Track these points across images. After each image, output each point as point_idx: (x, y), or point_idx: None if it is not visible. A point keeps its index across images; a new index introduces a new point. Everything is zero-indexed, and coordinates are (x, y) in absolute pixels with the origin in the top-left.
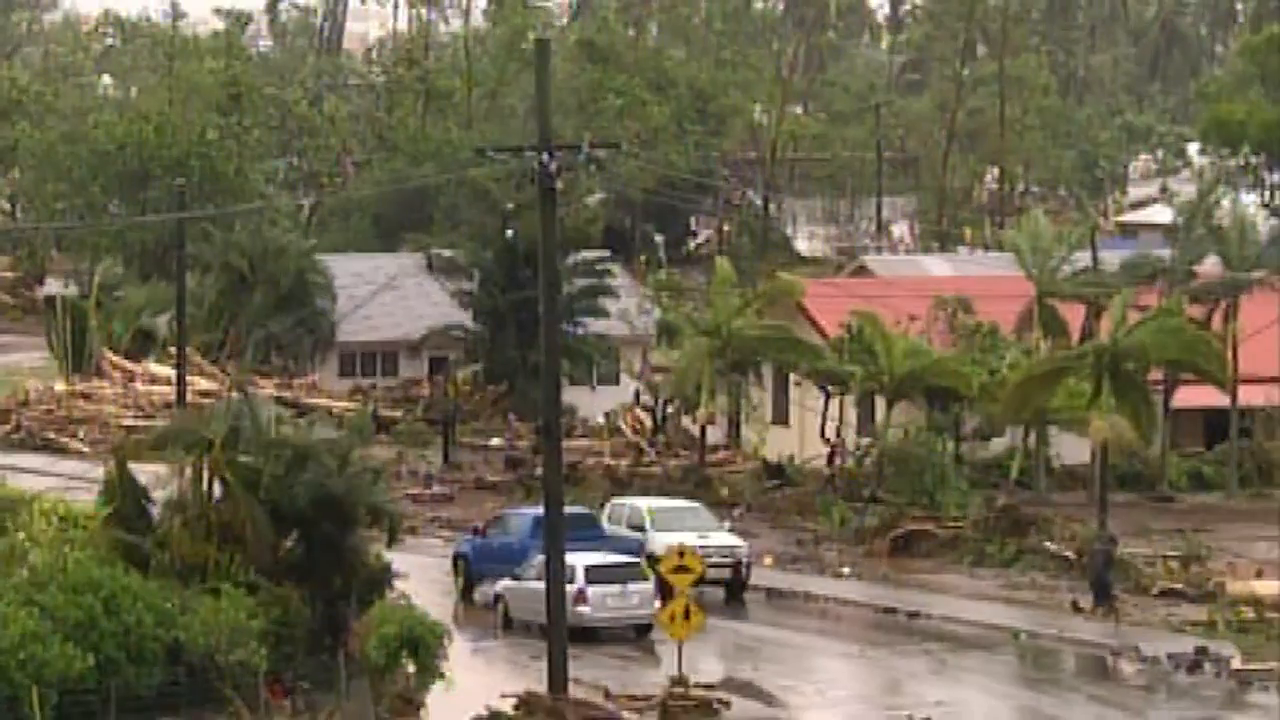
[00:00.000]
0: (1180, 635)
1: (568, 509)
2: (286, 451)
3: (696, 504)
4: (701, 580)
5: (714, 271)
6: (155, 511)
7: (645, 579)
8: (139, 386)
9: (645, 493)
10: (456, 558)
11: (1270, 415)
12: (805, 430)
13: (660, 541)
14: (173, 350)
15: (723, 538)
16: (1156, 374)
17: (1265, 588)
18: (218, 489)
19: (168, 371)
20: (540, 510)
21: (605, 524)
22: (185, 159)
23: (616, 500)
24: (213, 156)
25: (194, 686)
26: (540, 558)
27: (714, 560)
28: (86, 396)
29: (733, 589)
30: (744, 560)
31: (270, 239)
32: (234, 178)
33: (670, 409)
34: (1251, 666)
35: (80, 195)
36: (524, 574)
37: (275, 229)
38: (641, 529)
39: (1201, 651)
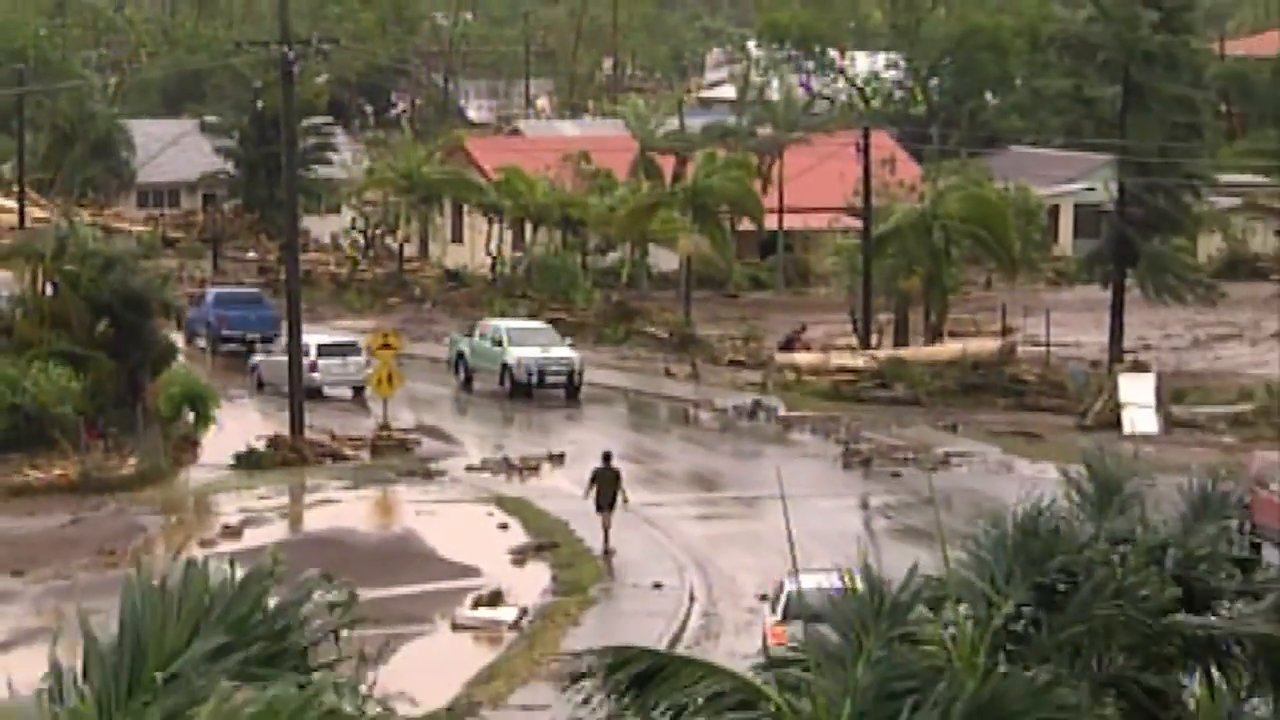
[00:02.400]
0: (742, 392)
1: (243, 289)
2: (99, 259)
3: (545, 325)
4: (543, 384)
5: (403, 134)
6: (3, 306)
7: (359, 353)
8: None
9: (359, 293)
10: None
11: (806, 235)
12: (475, 246)
13: (514, 354)
14: (14, 188)
15: (562, 351)
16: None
17: (802, 358)
18: (50, 289)
19: (11, 204)
20: (218, 289)
21: (476, 338)
22: (24, 50)
23: (484, 320)
24: (44, 48)
25: (31, 431)
26: (285, 338)
27: (554, 368)
28: None
29: (569, 390)
30: (576, 368)
31: (86, 107)
32: (59, 63)
33: (377, 231)
34: (792, 414)
35: None
36: (273, 350)
37: (90, 100)
38: (500, 344)
39: (757, 404)
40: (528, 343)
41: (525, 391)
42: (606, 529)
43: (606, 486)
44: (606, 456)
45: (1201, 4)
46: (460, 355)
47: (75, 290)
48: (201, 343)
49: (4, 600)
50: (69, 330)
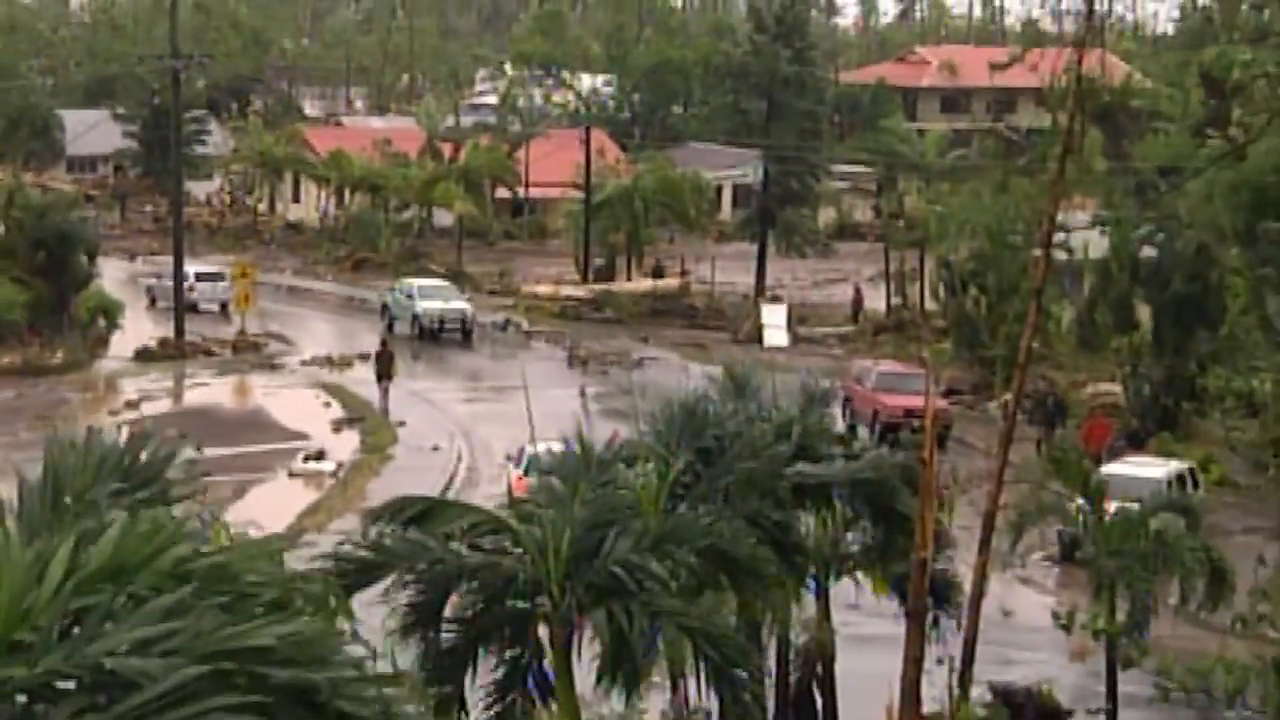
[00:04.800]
0: (499, 311)
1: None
2: (36, 208)
3: (447, 282)
4: (443, 329)
5: (251, 124)
6: None
7: (225, 280)
8: None
9: (227, 237)
10: None
11: (545, 202)
12: (309, 205)
13: (421, 306)
14: None
15: (459, 304)
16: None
17: (541, 289)
18: (1, 230)
19: None
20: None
21: (395, 293)
22: None
23: (401, 279)
24: None
25: None
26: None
27: (452, 317)
28: None
29: (465, 334)
30: (469, 317)
31: (29, 100)
32: (9, 67)
33: (239, 193)
34: (534, 329)
35: None
36: (163, 276)
37: (32, 95)
38: (411, 298)
39: (507, 321)
40: (432, 297)
41: (431, 336)
42: (386, 394)
43: (384, 363)
44: (384, 341)
45: (822, 45)
46: (385, 306)
47: (20, 231)
48: (146, 284)
49: None
50: (15, 260)
